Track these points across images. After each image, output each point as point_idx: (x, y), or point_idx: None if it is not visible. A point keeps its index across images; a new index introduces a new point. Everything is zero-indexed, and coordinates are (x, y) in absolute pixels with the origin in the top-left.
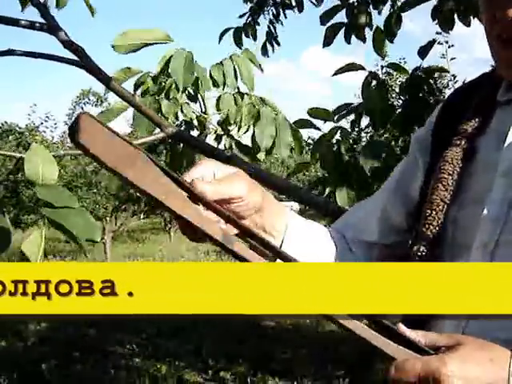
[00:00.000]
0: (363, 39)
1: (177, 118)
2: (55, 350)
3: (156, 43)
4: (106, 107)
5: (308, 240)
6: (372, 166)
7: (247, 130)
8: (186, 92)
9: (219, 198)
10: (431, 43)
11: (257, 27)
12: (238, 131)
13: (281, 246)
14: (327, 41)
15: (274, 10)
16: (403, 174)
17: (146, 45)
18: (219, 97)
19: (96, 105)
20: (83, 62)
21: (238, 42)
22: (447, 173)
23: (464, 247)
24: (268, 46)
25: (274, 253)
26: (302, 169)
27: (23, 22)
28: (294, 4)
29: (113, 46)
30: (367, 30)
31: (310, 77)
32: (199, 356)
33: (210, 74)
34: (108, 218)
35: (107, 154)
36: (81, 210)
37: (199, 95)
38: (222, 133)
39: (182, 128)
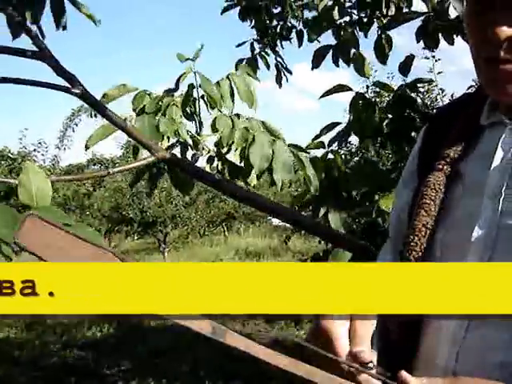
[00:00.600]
0: (349, 62)
1: (175, 135)
2: (51, 375)
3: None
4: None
5: None
6: (360, 190)
7: (241, 153)
8: (184, 112)
9: None
10: (410, 58)
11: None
12: (228, 153)
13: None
14: (315, 63)
15: (271, 42)
16: (397, 207)
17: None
18: (215, 118)
19: (91, 116)
20: (75, 88)
21: (253, 72)
22: (429, 198)
23: None
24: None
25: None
26: (298, 201)
27: (14, 50)
28: (291, 36)
29: (103, 95)
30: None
31: (297, 94)
32: (196, 376)
33: (208, 95)
34: (102, 240)
35: (64, 257)
36: (80, 225)
37: (195, 116)
38: (214, 154)
39: (177, 148)
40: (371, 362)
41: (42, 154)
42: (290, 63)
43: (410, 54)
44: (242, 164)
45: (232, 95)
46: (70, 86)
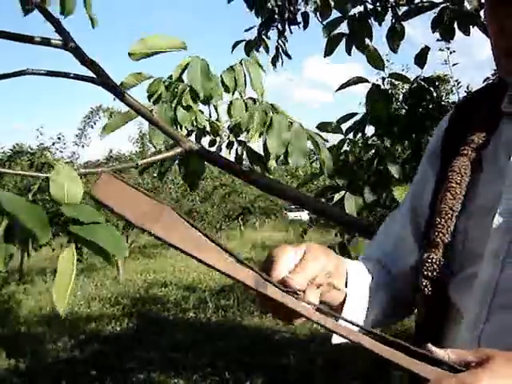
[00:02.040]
0: (363, 50)
1: (192, 125)
2: (73, 369)
3: (170, 51)
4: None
5: (367, 287)
6: (398, 170)
7: (260, 137)
8: (199, 99)
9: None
10: (425, 50)
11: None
12: (251, 139)
13: (344, 301)
14: (328, 51)
15: (280, 26)
16: (415, 194)
17: (159, 52)
18: (230, 103)
19: (109, 118)
20: (100, 78)
21: (249, 55)
22: (455, 182)
23: (475, 256)
24: (277, 58)
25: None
26: (310, 180)
27: (38, 39)
28: (299, 20)
29: (129, 54)
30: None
31: (311, 85)
32: (215, 369)
33: (222, 80)
34: None
35: (132, 211)
36: (108, 226)
37: (212, 102)
38: (233, 140)
39: (195, 137)
40: (299, 290)
41: (61, 151)
42: (302, 57)
43: (425, 46)
44: (261, 148)
45: (245, 82)
46: (95, 76)
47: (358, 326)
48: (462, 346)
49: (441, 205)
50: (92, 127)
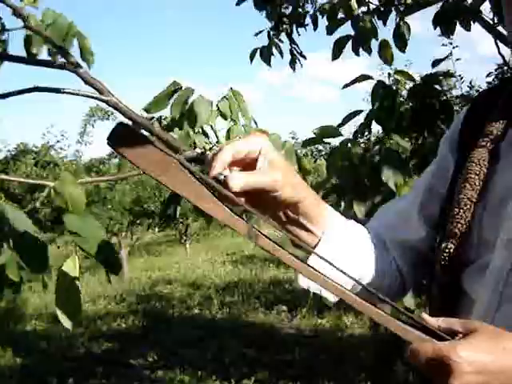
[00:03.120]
0: (369, 51)
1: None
2: (79, 366)
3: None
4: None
5: (347, 239)
6: (395, 180)
7: None
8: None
9: (250, 189)
10: (446, 57)
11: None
12: None
13: (318, 243)
14: (335, 54)
15: (288, 29)
16: (436, 174)
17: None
18: (229, 128)
19: (103, 119)
20: (104, 95)
21: (267, 60)
22: (474, 173)
23: (488, 245)
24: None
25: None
26: (319, 186)
27: (44, 62)
28: (306, 23)
29: (145, 110)
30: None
31: (315, 82)
32: (221, 364)
33: (218, 108)
34: (123, 233)
35: (142, 160)
36: (107, 242)
37: (211, 127)
38: None
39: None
40: (220, 174)
41: (64, 150)
42: (305, 52)
43: (449, 53)
44: None
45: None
46: (99, 93)
47: (352, 279)
48: None
49: (459, 195)
50: (93, 126)
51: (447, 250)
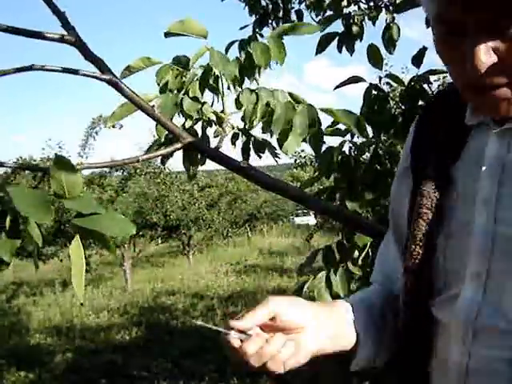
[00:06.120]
0: (351, 50)
1: (198, 114)
2: (83, 378)
3: (197, 37)
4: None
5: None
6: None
7: (264, 126)
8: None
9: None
10: (422, 51)
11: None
12: (252, 128)
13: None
14: (319, 49)
15: (274, 24)
16: (394, 209)
17: (189, 36)
18: (239, 93)
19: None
20: (104, 74)
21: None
22: (425, 207)
23: (457, 275)
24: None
25: None
26: (311, 183)
27: (45, 35)
28: (293, 18)
29: (165, 33)
30: (364, 40)
31: (313, 89)
32: (223, 375)
33: (251, 56)
34: (126, 245)
35: None
36: (111, 213)
37: (219, 93)
38: (238, 131)
39: (201, 127)
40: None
41: None
42: (302, 62)
43: (423, 47)
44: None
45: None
46: (99, 71)
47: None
48: (452, 358)
49: (414, 232)
50: (94, 138)
51: (405, 285)
